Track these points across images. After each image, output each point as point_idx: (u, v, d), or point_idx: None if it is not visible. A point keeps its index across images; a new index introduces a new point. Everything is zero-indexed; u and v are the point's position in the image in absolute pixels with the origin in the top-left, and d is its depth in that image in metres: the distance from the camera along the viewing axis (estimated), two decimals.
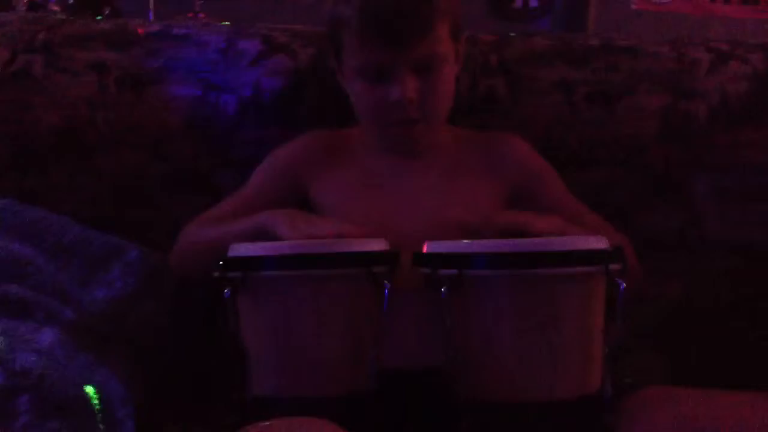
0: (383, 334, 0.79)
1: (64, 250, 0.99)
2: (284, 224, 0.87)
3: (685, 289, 1.19)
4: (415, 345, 0.84)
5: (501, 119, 1.18)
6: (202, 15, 3.29)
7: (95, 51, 1.19)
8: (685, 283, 1.19)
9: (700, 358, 1.16)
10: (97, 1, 2.93)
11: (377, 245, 0.82)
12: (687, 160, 1.19)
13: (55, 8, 2.87)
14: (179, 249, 1.04)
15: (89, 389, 0.81)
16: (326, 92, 1.18)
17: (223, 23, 1.27)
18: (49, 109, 1.17)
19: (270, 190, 1.07)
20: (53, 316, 0.87)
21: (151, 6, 3.11)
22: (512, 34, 1.24)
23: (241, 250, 0.82)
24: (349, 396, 0.80)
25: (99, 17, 1.21)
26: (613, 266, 0.78)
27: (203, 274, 0.82)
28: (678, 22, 4.38)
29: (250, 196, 1.07)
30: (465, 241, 0.82)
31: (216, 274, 0.80)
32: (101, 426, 0.79)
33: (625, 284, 0.77)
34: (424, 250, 0.82)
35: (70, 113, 1.17)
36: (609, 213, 1.06)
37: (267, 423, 0.74)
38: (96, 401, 0.81)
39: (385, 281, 0.78)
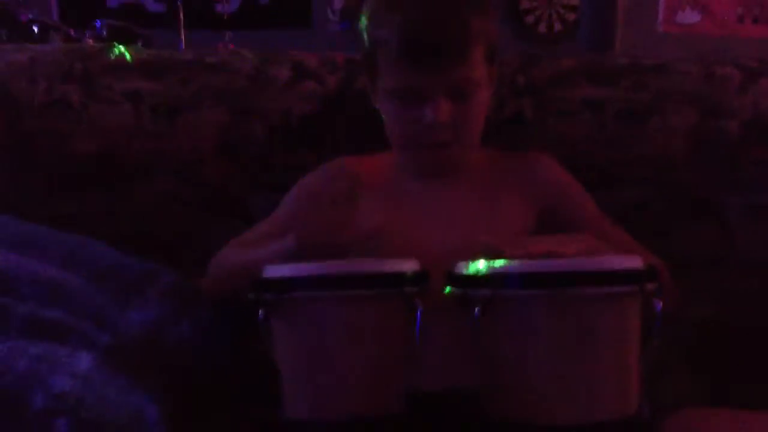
0: (415, 356, 0.79)
1: (101, 274, 1.01)
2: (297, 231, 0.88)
3: (721, 309, 1.17)
4: (448, 366, 0.83)
5: (529, 139, 1.19)
6: (231, 46, 3.36)
7: (131, 81, 1.22)
8: (720, 303, 1.17)
9: (737, 378, 1.13)
10: (131, 35, 3.01)
11: (409, 265, 0.82)
12: (718, 178, 1.18)
13: (90, 42, 2.95)
14: (212, 273, 1.06)
15: (125, 412, 0.81)
16: (354, 118, 1.20)
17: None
18: (86, 138, 1.20)
19: (300, 213, 1.08)
20: (90, 339, 0.88)
21: (182, 38, 3.18)
22: (538, 54, 1.25)
23: (274, 271, 0.83)
24: (381, 417, 0.80)
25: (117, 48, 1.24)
26: (649, 286, 0.77)
27: (235, 296, 0.83)
28: (704, 44, 4.36)
29: (282, 222, 1.09)
30: (496, 261, 0.81)
31: (250, 295, 0.81)
32: None
33: (661, 304, 0.76)
34: (456, 270, 0.82)
35: (106, 141, 1.20)
36: (640, 233, 1.05)
37: None
38: (132, 424, 0.81)
39: (418, 301, 0.79)
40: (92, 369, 0.81)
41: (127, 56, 1.24)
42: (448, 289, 0.81)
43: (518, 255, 0.83)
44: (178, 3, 3.18)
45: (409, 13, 0.94)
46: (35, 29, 2.89)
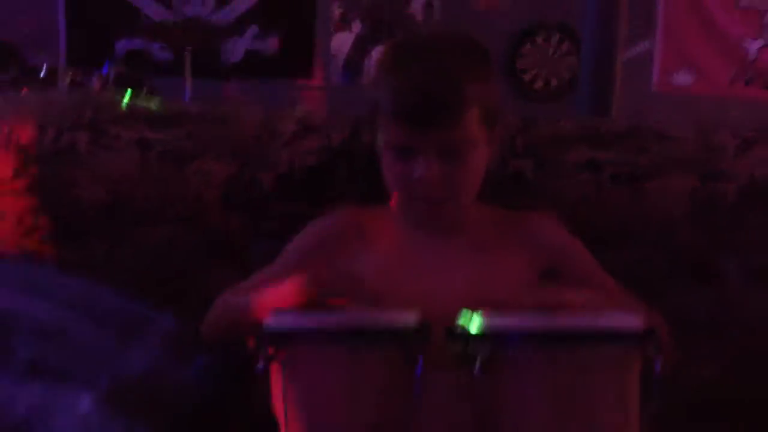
0: (415, 410, 0.79)
1: (103, 317, 1.01)
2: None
3: (721, 371, 1.17)
4: (448, 421, 0.83)
5: (529, 198, 1.20)
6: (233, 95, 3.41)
7: (139, 129, 1.24)
8: (720, 365, 1.17)
9: None
10: (137, 82, 3.06)
11: (410, 318, 0.83)
12: (716, 241, 1.19)
13: (97, 87, 3.00)
14: (213, 317, 1.06)
15: None
16: (356, 172, 1.22)
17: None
18: (93, 184, 1.22)
19: (301, 265, 1.09)
20: (91, 382, 0.88)
21: (188, 87, 3.24)
22: (537, 117, 1.28)
23: (274, 322, 0.83)
24: None
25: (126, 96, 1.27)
26: (648, 345, 0.78)
27: (234, 340, 0.83)
28: (698, 104, 4.44)
29: (282, 270, 1.09)
30: (497, 317, 0.82)
31: (251, 346, 0.81)
32: None
33: (660, 364, 0.77)
34: (456, 324, 0.82)
35: (112, 188, 1.21)
36: (639, 294, 1.06)
37: None
38: None
39: (419, 355, 0.79)
40: (92, 411, 0.81)
41: (141, 104, 1.27)
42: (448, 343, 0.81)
43: (530, 303, 0.83)
44: (185, 52, 3.24)
45: (403, 78, 0.98)
46: (43, 72, 2.95)
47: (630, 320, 0.80)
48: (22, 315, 0.97)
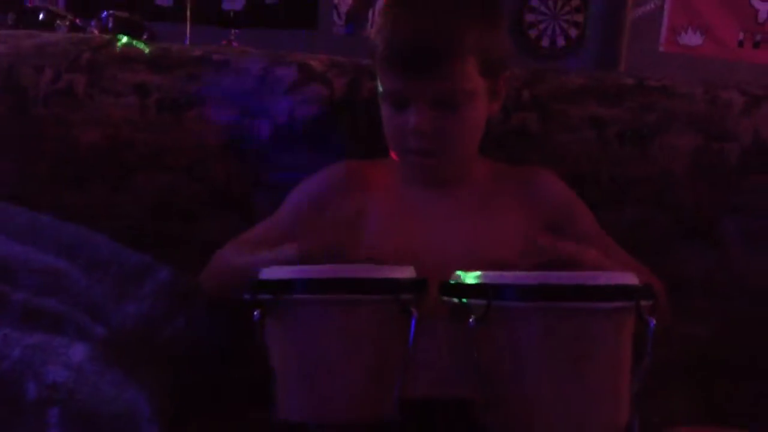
0: (410, 363, 0.80)
1: (99, 266, 1.01)
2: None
3: (713, 331, 1.18)
4: (443, 375, 0.83)
5: (532, 153, 1.19)
6: (235, 44, 3.37)
7: (138, 73, 1.22)
8: (713, 325, 1.18)
9: (727, 399, 1.14)
10: (136, 27, 3.01)
11: (405, 272, 0.83)
12: (717, 201, 1.19)
13: (95, 32, 2.96)
14: (210, 273, 1.06)
15: (118, 406, 0.82)
16: (359, 122, 1.20)
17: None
18: (90, 128, 1.20)
19: (301, 217, 1.09)
20: (85, 331, 0.88)
21: (188, 34, 3.19)
22: (544, 69, 1.26)
23: (271, 273, 0.83)
24: (374, 423, 0.80)
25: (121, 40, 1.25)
26: (644, 303, 0.78)
27: (231, 297, 0.83)
28: (705, 66, 4.39)
29: (282, 222, 1.09)
30: (493, 272, 0.82)
31: (246, 296, 0.81)
32: None
33: (654, 321, 0.77)
34: (452, 279, 0.82)
35: (110, 132, 1.20)
36: (638, 252, 1.06)
37: None
38: (124, 419, 0.82)
39: (413, 309, 0.79)
40: (86, 361, 0.81)
41: (137, 46, 1.24)
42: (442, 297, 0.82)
43: (529, 261, 0.83)
44: None
45: (398, 23, 0.97)
46: (41, 16, 2.90)
47: (625, 277, 0.80)
48: (18, 261, 0.97)
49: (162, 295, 0.98)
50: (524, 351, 0.78)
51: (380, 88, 1.03)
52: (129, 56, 1.24)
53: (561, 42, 4.54)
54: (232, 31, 3.48)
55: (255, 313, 0.80)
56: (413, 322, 0.78)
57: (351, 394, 0.80)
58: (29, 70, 1.22)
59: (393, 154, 1.07)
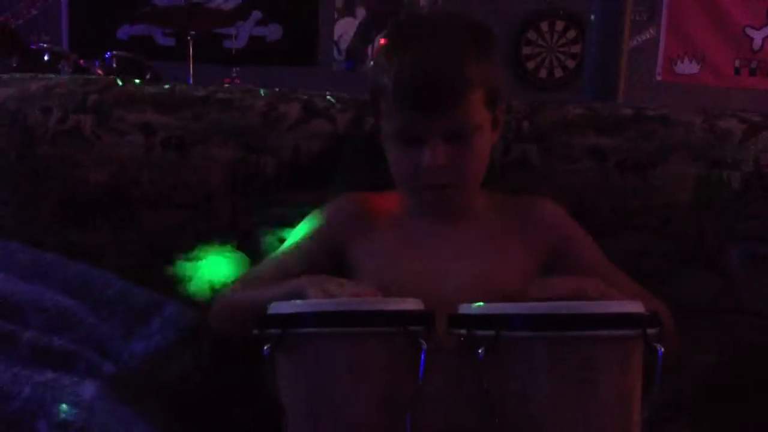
0: (419, 396, 0.80)
1: (106, 303, 1.02)
2: (312, 287, 0.89)
3: (721, 359, 1.17)
4: (452, 406, 0.84)
5: (534, 184, 1.20)
6: (238, 80, 3.41)
7: (143, 113, 1.24)
8: (721, 353, 1.18)
9: (736, 427, 1.13)
10: (140, 67, 3.05)
11: (413, 305, 0.83)
12: (721, 228, 1.19)
13: (100, 72, 2.99)
14: (217, 311, 1.06)
15: None
16: (362, 157, 1.21)
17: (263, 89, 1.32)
18: (97, 167, 1.22)
19: (307, 252, 1.09)
20: (94, 368, 0.89)
21: (191, 72, 3.23)
22: (544, 102, 1.27)
23: (280, 307, 0.84)
24: None
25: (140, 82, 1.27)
26: (651, 331, 0.78)
27: (241, 335, 0.83)
28: (701, 93, 4.43)
29: (288, 258, 1.09)
30: (500, 303, 0.82)
31: (255, 331, 0.81)
32: None
33: (662, 349, 0.77)
34: (460, 311, 0.83)
35: (116, 171, 1.21)
36: (643, 280, 1.06)
37: None
38: None
39: (422, 341, 0.79)
40: (96, 398, 0.81)
41: (140, 87, 1.26)
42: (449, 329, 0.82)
43: (545, 297, 0.84)
44: (188, 37, 3.23)
45: (406, 61, 0.96)
46: (45, 57, 2.94)
47: (631, 306, 0.80)
48: (26, 300, 0.98)
49: (169, 331, 0.99)
50: (532, 380, 0.78)
51: (386, 127, 1.03)
52: (135, 96, 1.26)
53: (558, 73, 4.59)
54: (234, 68, 3.52)
55: (264, 348, 0.80)
56: (423, 354, 0.78)
57: (360, 429, 0.80)
58: (36, 111, 1.24)
59: (398, 187, 1.08)
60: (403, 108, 0.98)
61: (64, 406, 0.80)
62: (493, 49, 1.03)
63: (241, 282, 1.08)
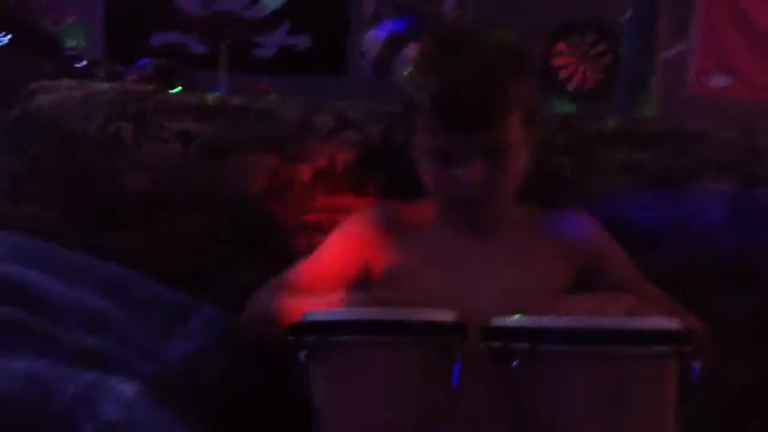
0: (453, 406, 0.80)
1: (143, 305, 1.03)
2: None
3: (762, 375, 1.16)
4: (485, 419, 0.84)
5: (567, 197, 1.20)
6: (267, 88, 3.45)
7: (182, 121, 1.26)
8: (761, 370, 1.16)
9: None
10: (175, 74, 3.10)
11: (449, 316, 0.84)
12: (759, 244, 1.18)
13: (133, 78, 3.05)
14: (250, 314, 1.07)
15: None
16: (393, 166, 1.23)
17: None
18: (136, 174, 1.24)
19: (339, 259, 1.10)
20: (135, 370, 0.90)
21: (225, 81, 3.27)
22: (578, 115, 1.28)
23: (317, 315, 0.85)
24: None
25: (176, 89, 1.30)
26: (686, 348, 0.78)
27: (272, 341, 0.84)
28: (734, 107, 4.37)
29: (320, 264, 1.10)
30: (535, 316, 0.83)
31: (291, 338, 0.82)
32: None
33: (698, 367, 0.77)
34: (494, 323, 0.83)
35: (155, 178, 1.24)
36: (679, 296, 1.05)
37: None
38: None
39: (457, 352, 0.80)
40: (139, 399, 0.83)
41: (178, 96, 1.29)
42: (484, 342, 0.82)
43: (567, 310, 0.84)
44: (222, 47, 3.28)
45: (445, 80, 0.95)
46: (81, 63, 3.00)
47: (667, 322, 0.80)
48: (66, 302, 1.00)
49: (207, 333, 1.00)
50: (566, 394, 0.78)
51: (420, 142, 1.02)
52: (173, 105, 1.28)
53: (590, 85, 4.56)
54: (264, 77, 3.56)
55: (300, 354, 0.81)
56: (458, 365, 0.79)
57: None
58: (78, 118, 1.27)
59: (433, 201, 1.09)
60: (441, 127, 0.97)
61: (109, 406, 0.81)
62: (533, 65, 1.03)
63: (274, 287, 1.09)
